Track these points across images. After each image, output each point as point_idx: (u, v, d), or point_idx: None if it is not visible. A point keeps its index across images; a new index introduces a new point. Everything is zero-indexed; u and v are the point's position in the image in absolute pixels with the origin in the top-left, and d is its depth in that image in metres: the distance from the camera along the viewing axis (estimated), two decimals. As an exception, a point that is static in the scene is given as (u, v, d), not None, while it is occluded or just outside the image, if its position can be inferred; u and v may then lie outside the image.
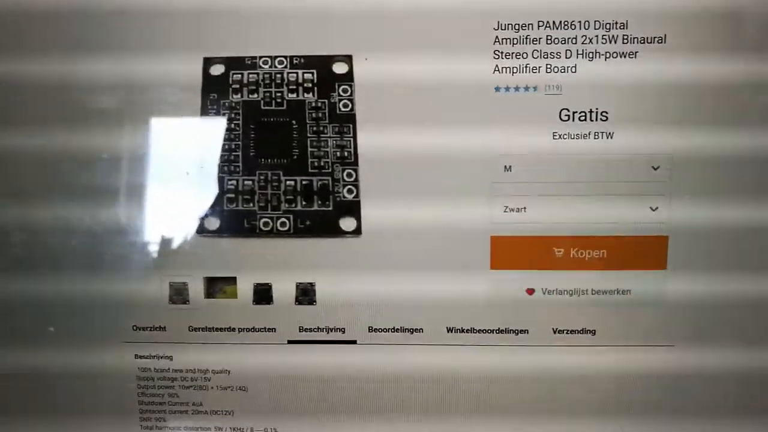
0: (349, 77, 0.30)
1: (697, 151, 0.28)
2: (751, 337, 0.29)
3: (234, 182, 0.30)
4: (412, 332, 0.30)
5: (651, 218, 0.29)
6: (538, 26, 0.29)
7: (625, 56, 0.29)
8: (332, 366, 0.30)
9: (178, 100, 0.30)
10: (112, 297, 0.30)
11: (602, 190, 0.29)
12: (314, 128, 0.30)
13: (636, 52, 0.29)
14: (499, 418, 0.30)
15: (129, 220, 0.30)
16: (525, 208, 0.29)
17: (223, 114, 0.30)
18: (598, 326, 0.29)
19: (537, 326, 0.29)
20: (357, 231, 0.30)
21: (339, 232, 0.30)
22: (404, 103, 0.29)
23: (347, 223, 0.30)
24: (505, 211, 0.29)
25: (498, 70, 0.29)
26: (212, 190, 0.30)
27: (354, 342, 0.30)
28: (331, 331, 0.30)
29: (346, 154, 0.30)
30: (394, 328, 0.30)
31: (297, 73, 0.30)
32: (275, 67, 0.30)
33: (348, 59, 0.30)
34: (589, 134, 0.29)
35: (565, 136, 0.29)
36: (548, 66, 0.29)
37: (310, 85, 0.30)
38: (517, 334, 0.29)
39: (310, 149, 0.30)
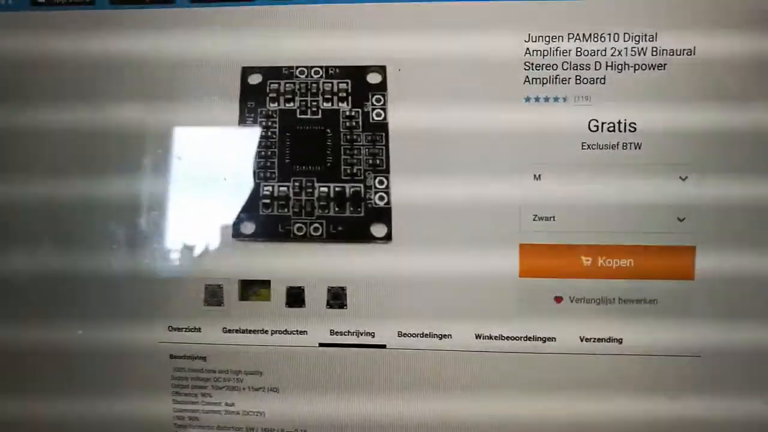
0: (382, 87, 0.31)
1: (725, 162, 0.29)
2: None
3: (269, 188, 0.31)
4: (441, 338, 0.30)
5: (678, 228, 0.29)
6: (568, 38, 0.29)
7: (654, 68, 0.29)
8: (362, 369, 0.31)
9: (217, 108, 0.31)
10: (150, 298, 0.31)
11: (630, 199, 0.29)
12: (348, 137, 0.31)
13: (665, 64, 0.29)
14: (524, 424, 0.30)
15: (166, 223, 0.31)
16: (554, 217, 0.29)
17: (260, 122, 0.31)
18: (624, 335, 0.29)
19: (564, 334, 0.30)
20: (387, 237, 0.30)
21: (370, 238, 0.30)
22: (435, 112, 0.30)
23: (378, 230, 0.31)
24: (534, 220, 0.29)
25: (528, 81, 0.30)
26: (248, 196, 0.31)
27: (383, 346, 0.31)
28: (361, 335, 0.31)
29: (378, 161, 0.31)
30: (423, 334, 0.30)
31: (332, 83, 0.31)
32: (311, 76, 0.31)
33: (382, 70, 0.30)
34: (617, 144, 0.29)
35: (593, 146, 0.29)
36: (577, 77, 0.29)
37: (344, 94, 0.31)
38: (545, 341, 0.30)
39: (343, 157, 0.31)
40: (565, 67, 0.30)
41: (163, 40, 0.31)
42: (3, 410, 0.32)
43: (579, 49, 0.30)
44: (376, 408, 0.31)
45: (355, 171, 0.31)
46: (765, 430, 0.30)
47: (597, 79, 0.30)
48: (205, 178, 0.31)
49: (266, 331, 0.31)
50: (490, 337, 0.30)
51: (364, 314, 0.31)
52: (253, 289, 0.31)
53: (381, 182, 0.31)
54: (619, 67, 0.29)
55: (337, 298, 0.31)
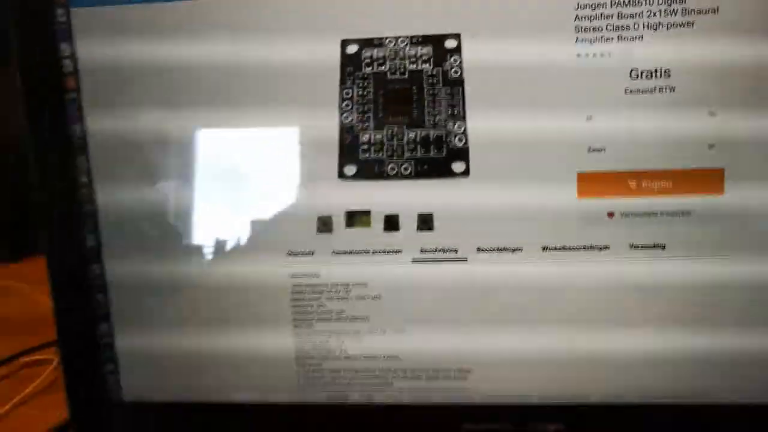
0: (458, 51, 0.37)
1: (746, 98, 0.35)
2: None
3: (367, 136, 0.38)
4: (513, 251, 0.37)
5: (708, 154, 0.35)
6: (611, 5, 0.36)
7: (683, 26, 0.35)
8: (447, 280, 0.38)
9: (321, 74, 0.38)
10: (274, 231, 0.38)
11: (667, 132, 0.35)
12: (431, 92, 0.38)
13: (693, 22, 0.35)
14: (585, 323, 0.37)
15: (287, 170, 0.38)
16: (605, 149, 0.36)
17: (357, 83, 0.38)
18: (667, 241, 0.36)
19: (616, 243, 0.36)
20: (466, 172, 0.37)
21: (451, 174, 0.37)
22: (502, 71, 0.37)
23: (458, 166, 0.37)
24: (588, 152, 0.36)
25: (578, 41, 0.36)
26: (351, 144, 0.38)
27: (465, 260, 0.37)
28: (446, 251, 0.37)
29: (456, 111, 0.38)
30: (498, 248, 0.37)
31: (416, 49, 0.38)
32: (398, 45, 0.38)
33: (457, 37, 0.37)
34: (655, 89, 0.36)
35: (634, 91, 0.36)
36: (619, 36, 0.36)
37: (426, 57, 0.38)
38: (600, 250, 0.36)
39: (426, 108, 0.38)
40: (609, 29, 0.36)
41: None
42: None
43: (620, 14, 0.36)
44: (459, 311, 0.38)
45: (437, 120, 0.38)
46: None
47: (636, 37, 0.36)
48: (315, 134, 0.38)
49: (368, 251, 0.38)
50: (555, 248, 0.37)
51: (448, 235, 0.37)
52: (356, 218, 0.38)
53: (459, 127, 0.37)
54: (654, 26, 0.36)
55: (425, 222, 0.38)
